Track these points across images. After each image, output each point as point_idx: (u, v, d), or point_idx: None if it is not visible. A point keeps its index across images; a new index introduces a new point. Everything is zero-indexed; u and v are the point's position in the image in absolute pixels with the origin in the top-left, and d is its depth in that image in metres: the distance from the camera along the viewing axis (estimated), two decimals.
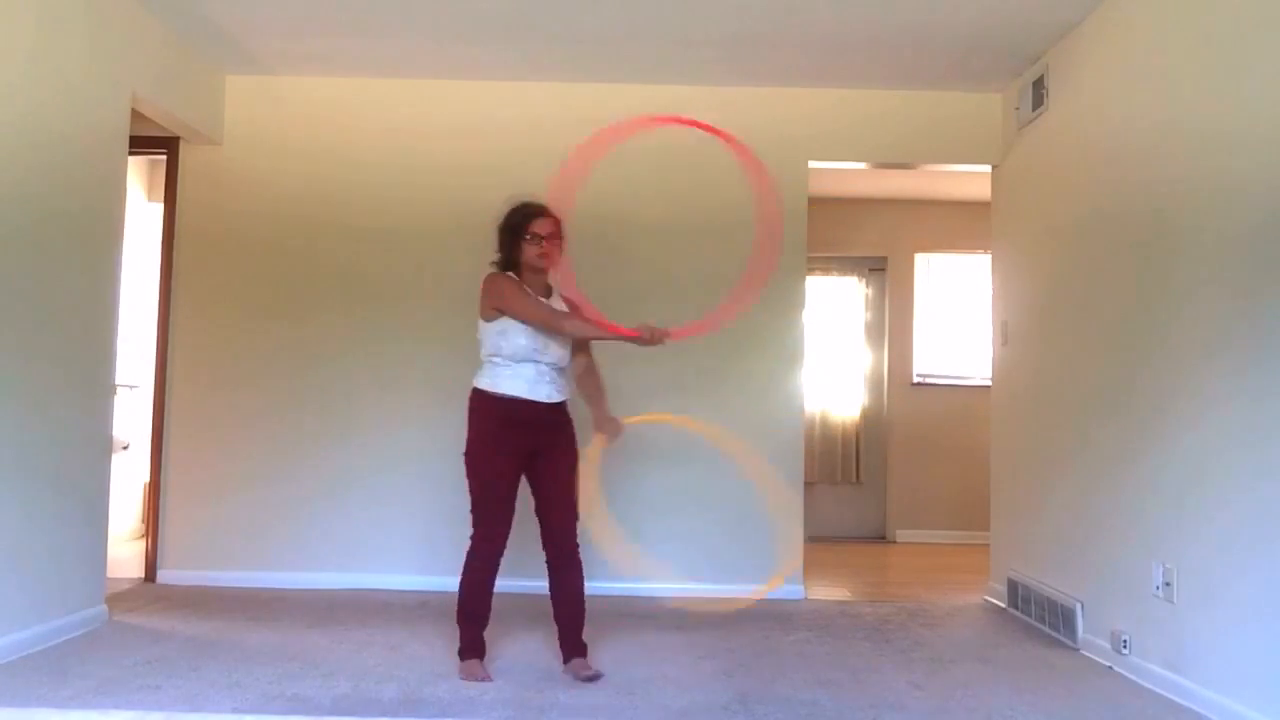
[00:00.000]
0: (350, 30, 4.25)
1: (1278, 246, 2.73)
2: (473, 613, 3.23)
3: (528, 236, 3.23)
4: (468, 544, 3.22)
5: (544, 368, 3.21)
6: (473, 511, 3.20)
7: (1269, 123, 2.78)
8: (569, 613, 3.28)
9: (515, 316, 3.17)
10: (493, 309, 3.20)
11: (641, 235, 4.79)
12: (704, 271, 4.74)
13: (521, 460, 3.22)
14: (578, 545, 3.29)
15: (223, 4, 4.01)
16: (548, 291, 3.32)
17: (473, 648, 3.24)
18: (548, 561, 3.28)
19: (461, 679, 3.15)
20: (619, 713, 2.87)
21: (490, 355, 3.22)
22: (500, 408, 3.18)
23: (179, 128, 4.57)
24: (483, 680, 3.15)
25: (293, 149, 4.83)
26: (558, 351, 3.24)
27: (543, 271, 3.29)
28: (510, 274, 3.26)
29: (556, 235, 3.25)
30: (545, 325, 3.18)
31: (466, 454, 3.22)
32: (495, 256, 3.31)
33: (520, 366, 3.19)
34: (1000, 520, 4.72)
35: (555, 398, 3.25)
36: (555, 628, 3.30)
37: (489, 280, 3.24)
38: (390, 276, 4.79)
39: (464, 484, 3.10)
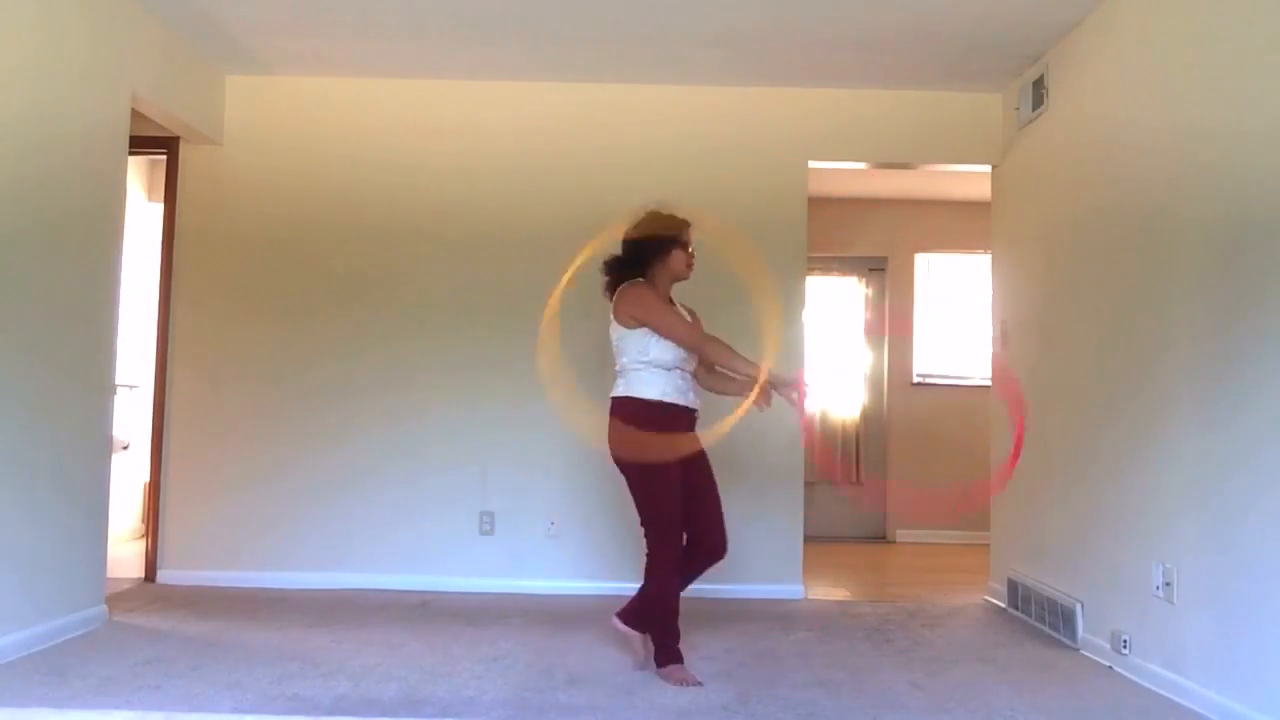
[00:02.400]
0: (350, 30, 4.25)
1: (1278, 246, 2.73)
2: (675, 620, 3.25)
3: (683, 245, 3.32)
4: (642, 555, 3.25)
5: (688, 375, 3.31)
6: (658, 523, 3.21)
7: (1269, 122, 2.78)
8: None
9: (663, 333, 3.21)
10: (633, 318, 3.22)
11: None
12: (709, 269, 4.76)
13: (681, 466, 3.24)
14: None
15: (223, 4, 4.01)
16: (671, 304, 3.40)
17: (678, 652, 3.25)
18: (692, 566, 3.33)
19: (672, 684, 3.15)
20: (619, 712, 2.87)
21: (640, 362, 3.23)
22: (665, 414, 3.23)
23: (179, 128, 4.57)
24: (695, 685, 3.14)
25: (293, 149, 4.83)
26: (694, 360, 3.33)
27: (677, 281, 3.37)
28: (649, 286, 3.28)
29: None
30: (689, 345, 3.24)
31: (640, 466, 3.19)
32: (612, 256, 3.33)
33: (670, 374, 3.25)
34: (1000, 520, 4.72)
35: (697, 403, 3.34)
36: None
37: (635, 290, 3.25)
38: (390, 276, 4.79)
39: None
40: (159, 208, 5.01)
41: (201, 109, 4.64)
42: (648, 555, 3.25)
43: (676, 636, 3.26)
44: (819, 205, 5.22)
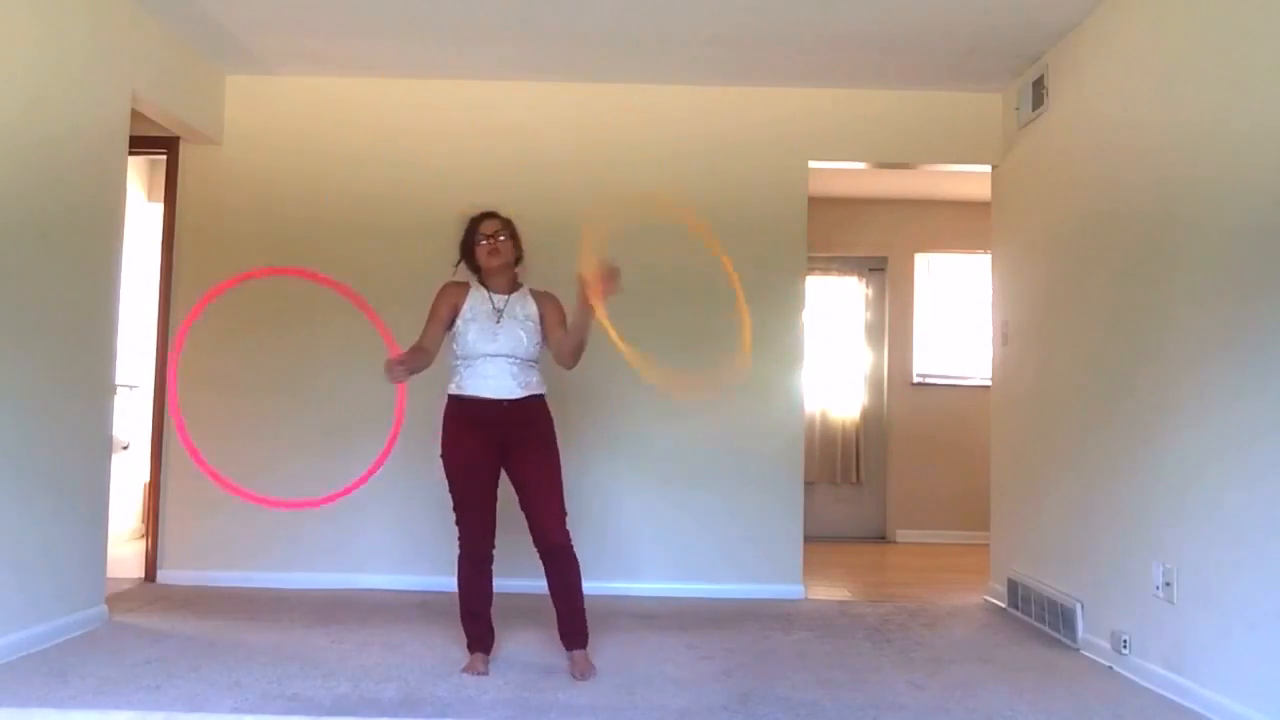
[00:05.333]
0: (350, 30, 4.25)
1: (1277, 246, 2.73)
2: (468, 610, 3.31)
3: (478, 238, 3.38)
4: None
5: (500, 361, 3.25)
6: (454, 512, 3.29)
7: (1269, 122, 2.78)
8: (564, 606, 3.30)
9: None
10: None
11: (643, 237, 4.78)
12: (704, 272, 4.76)
13: (494, 459, 3.27)
14: (567, 539, 3.26)
15: (223, 4, 4.01)
16: (514, 287, 3.41)
17: (473, 643, 3.32)
18: (540, 557, 3.29)
19: (461, 671, 3.23)
20: (619, 712, 2.87)
21: (452, 358, 3.34)
22: (464, 408, 3.26)
23: (179, 127, 4.57)
24: (478, 674, 3.21)
25: (292, 149, 4.83)
26: (509, 342, 3.26)
27: (503, 268, 3.37)
28: (447, 284, 3.41)
29: (503, 233, 3.37)
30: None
31: (441, 457, 3.31)
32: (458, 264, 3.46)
33: (477, 363, 3.26)
34: (1000, 520, 4.72)
35: (517, 393, 3.26)
36: (556, 620, 3.33)
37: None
38: (390, 277, 4.77)
39: None
40: (159, 208, 5.00)
41: (201, 109, 4.63)
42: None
43: (478, 625, 3.35)
44: (819, 205, 5.22)
